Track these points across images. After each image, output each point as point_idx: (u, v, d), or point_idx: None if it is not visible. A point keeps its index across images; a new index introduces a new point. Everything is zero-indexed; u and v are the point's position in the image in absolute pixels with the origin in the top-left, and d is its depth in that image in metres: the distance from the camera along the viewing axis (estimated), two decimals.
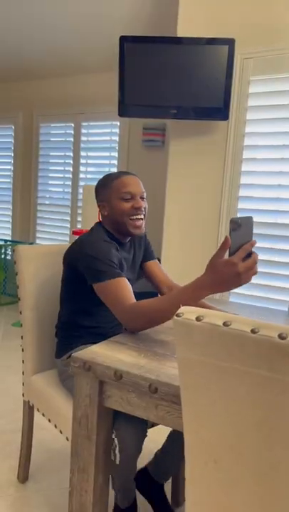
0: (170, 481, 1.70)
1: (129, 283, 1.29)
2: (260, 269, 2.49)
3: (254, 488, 0.75)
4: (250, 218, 1.11)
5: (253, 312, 1.60)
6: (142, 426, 1.21)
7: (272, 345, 0.67)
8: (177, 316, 0.76)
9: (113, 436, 1.16)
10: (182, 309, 0.76)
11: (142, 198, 1.42)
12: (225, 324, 0.71)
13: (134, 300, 1.25)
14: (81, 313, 1.43)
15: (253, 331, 0.68)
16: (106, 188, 1.42)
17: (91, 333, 1.43)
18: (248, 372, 0.70)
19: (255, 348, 0.69)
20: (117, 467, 1.18)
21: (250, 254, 1.09)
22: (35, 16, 3.15)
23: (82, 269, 1.32)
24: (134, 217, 1.39)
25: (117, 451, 1.16)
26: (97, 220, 1.53)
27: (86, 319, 1.43)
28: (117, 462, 1.17)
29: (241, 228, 1.08)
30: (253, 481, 0.75)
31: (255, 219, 2.50)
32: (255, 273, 1.10)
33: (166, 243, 2.76)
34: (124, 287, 1.26)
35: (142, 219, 1.41)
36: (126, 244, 1.51)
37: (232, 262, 1.06)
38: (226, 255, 1.09)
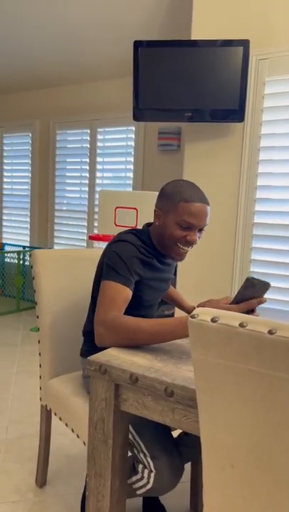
0: (188, 487, 1.68)
1: (130, 296, 1.23)
2: (278, 271, 2.46)
3: (272, 493, 0.73)
4: (267, 284, 1.06)
5: (272, 315, 1.58)
6: (181, 460, 1.17)
7: None
8: (192, 317, 0.74)
9: (151, 475, 1.11)
10: (197, 310, 0.75)
11: (200, 229, 1.29)
12: (241, 325, 0.70)
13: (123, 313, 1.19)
14: None
15: (270, 332, 0.67)
16: (170, 201, 1.26)
17: None
18: (265, 374, 0.69)
19: (272, 350, 0.67)
20: (134, 494, 1.15)
21: (252, 310, 1.07)
22: (49, 25, 3.19)
23: (104, 264, 1.27)
24: (182, 246, 1.28)
25: (146, 489, 1.11)
26: (116, 225, 1.50)
27: None
28: (146, 489, 1.12)
29: (254, 289, 1.05)
30: (272, 486, 0.73)
31: (273, 221, 2.47)
32: None
33: None
34: (126, 298, 1.20)
35: (188, 250, 1.31)
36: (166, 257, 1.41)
37: (230, 310, 1.02)
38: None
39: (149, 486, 1.11)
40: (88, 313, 1.45)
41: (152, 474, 1.11)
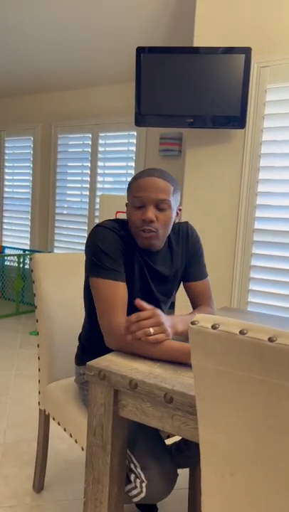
0: (186, 494, 1.67)
1: (126, 291, 1.18)
2: (277, 278, 2.46)
3: (273, 501, 0.73)
4: None
5: (272, 322, 1.58)
6: (173, 466, 1.15)
7: None
8: (192, 323, 0.74)
9: (142, 485, 1.09)
10: (197, 317, 0.75)
11: (157, 206, 1.20)
12: (241, 332, 0.70)
13: (126, 314, 1.16)
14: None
15: (270, 340, 0.67)
16: (128, 188, 1.25)
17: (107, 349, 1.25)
18: (266, 381, 0.69)
19: (273, 357, 0.67)
20: (130, 501, 1.13)
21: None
22: (52, 30, 3.21)
23: (88, 259, 1.20)
24: (142, 227, 1.20)
25: (141, 497, 1.10)
26: None
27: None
28: (140, 497, 1.11)
29: None
30: (272, 494, 0.72)
31: (273, 227, 2.47)
32: None
33: None
34: (123, 296, 1.17)
35: (152, 232, 1.20)
36: (156, 254, 1.30)
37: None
38: None
39: (142, 495, 1.10)
40: (84, 319, 1.41)
41: (144, 484, 1.10)
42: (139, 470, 1.10)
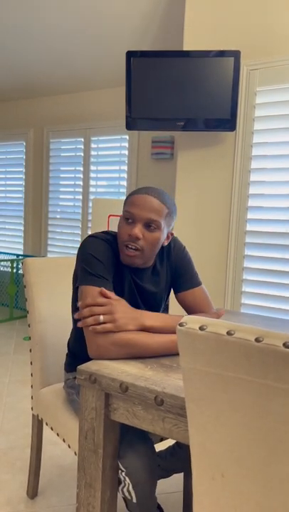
0: (181, 495, 1.66)
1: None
2: (270, 279, 2.46)
3: (263, 502, 0.73)
4: None
5: (265, 323, 1.58)
6: (151, 451, 1.13)
7: (277, 355, 0.65)
8: (180, 325, 0.74)
9: (123, 475, 1.08)
10: (185, 319, 0.75)
11: (148, 225, 1.19)
12: (229, 333, 0.70)
13: None
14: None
15: (257, 340, 0.67)
16: (124, 201, 1.26)
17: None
18: (253, 382, 0.69)
19: (260, 358, 0.67)
20: (136, 506, 1.11)
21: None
22: (43, 34, 3.22)
23: (79, 267, 1.20)
24: (127, 243, 1.19)
25: (130, 489, 1.08)
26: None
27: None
28: (135, 500, 1.09)
29: None
30: (262, 495, 0.72)
31: (266, 229, 2.48)
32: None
33: None
34: None
35: (136, 250, 1.19)
36: (143, 272, 1.29)
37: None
38: None
39: (130, 488, 1.08)
40: (72, 329, 1.40)
41: (124, 473, 1.08)
42: (123, 474, 1.09)
